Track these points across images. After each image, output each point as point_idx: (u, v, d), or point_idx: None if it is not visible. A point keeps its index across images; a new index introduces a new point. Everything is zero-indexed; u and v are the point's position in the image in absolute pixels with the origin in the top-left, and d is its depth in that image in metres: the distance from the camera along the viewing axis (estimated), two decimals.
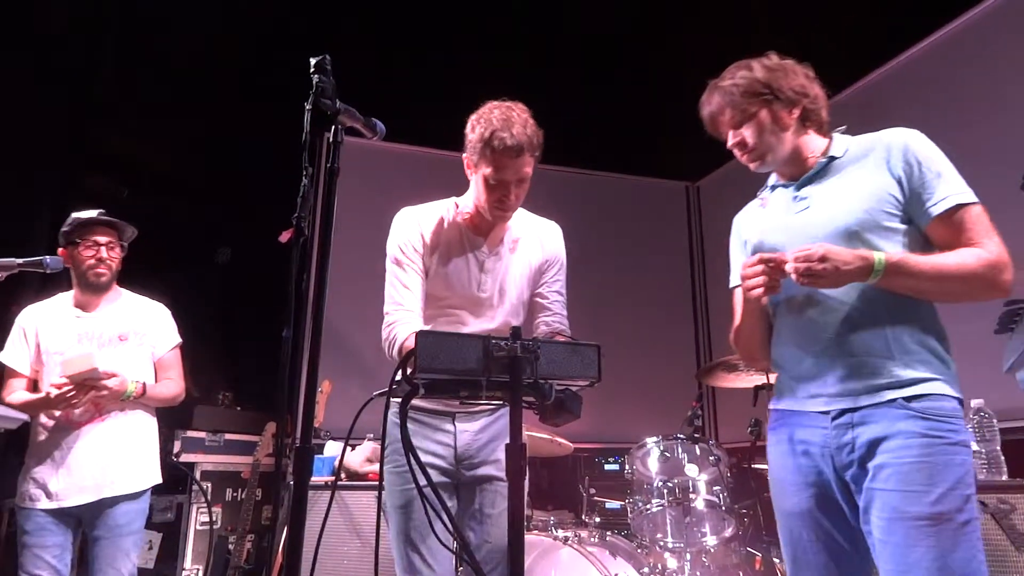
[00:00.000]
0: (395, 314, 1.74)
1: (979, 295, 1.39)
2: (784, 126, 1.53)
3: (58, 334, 2.39)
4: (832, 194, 1.50)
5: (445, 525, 1.33)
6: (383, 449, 1.53)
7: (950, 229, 1.41)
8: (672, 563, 2.79)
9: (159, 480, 2.47)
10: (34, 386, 2.40)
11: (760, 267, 1.41)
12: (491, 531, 1.74)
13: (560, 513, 3.42)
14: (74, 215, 2.41)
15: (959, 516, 1.29)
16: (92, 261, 2.39)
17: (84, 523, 2.33)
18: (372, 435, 3.26)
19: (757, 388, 2.93)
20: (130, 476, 2.36)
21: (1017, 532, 1.99)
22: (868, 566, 1.44)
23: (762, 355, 1.64)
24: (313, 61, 1.33)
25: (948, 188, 1.41)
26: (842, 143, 1.56)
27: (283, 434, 1.47)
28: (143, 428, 2.45)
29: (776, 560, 2.71)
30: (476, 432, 1.79)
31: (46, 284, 2.50)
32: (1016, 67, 3.03)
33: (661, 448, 2.89)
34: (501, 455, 1.71)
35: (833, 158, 1.54)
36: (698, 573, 2.73)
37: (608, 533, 2.88)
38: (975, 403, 2.24)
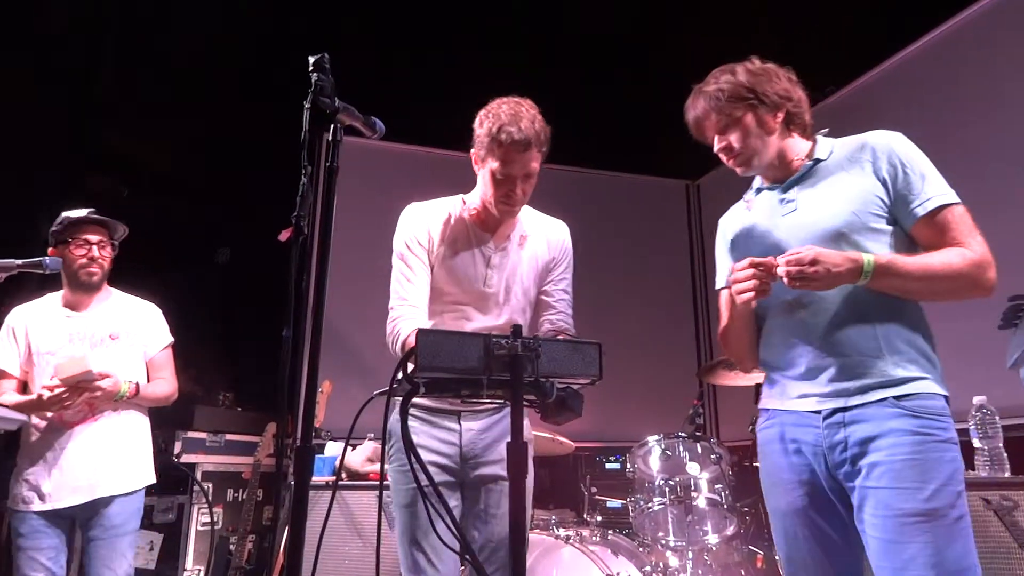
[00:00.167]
0: (399, 309, 1.74)
1: (964, 294, 1.42)
2: (769, 130, 1.55)
3: (49, 334, 2.37)
4: (819, 196, 1.52)
5: (447, 525, 1.32)
6: (384, 448, 1.53)
7: (934, 229, 1.43)
8: (674, 561, 2.79)
9: (153, 480, 2.46)
10: (23, 387, 2.38)
11: (751, 271, 1.43)
12: (496, 531, 1.73)
13: (561, 512, 3.41)
14: (64, 214, 2.39)
15: (952, 512, 1.32)
16: (83, 260, 2.37)
17: (79, 524, 2.32)
18: (373, 435, 3.26)
19: (758, 386, 2.91)
20: (124, 476, 2.34)
21: (1020, 529, 1.99)
22: (861, 562, 1.46)
23: (750, 356, 1.66)
24: (312, 59, 1.33)
25: (932, 189, 1.44)
26: (826, 145, 1.58)
27: (283, 434, 1.46)
28: (136, 428, 2.44)
29: (778, 558, 2.71)
30: (481, 431, 1.78)
31: (44, 285, 2.50)
32: (1014, 65, 3.02)
33: (662, 446, 2.88)
34: (503, 456, 1.70)
35: (818, 160, 1.56)
36: (700, 571, 2.72)
37: (610, 532, 2.87)
38: (977, 400, 2.23)
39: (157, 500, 3.57)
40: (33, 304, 2.46)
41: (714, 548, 2.79)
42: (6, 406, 2.21)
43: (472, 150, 1.79)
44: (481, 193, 1.80)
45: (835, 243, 1.44)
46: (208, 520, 3.64)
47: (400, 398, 1.33)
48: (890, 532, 1.33)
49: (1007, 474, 2.16)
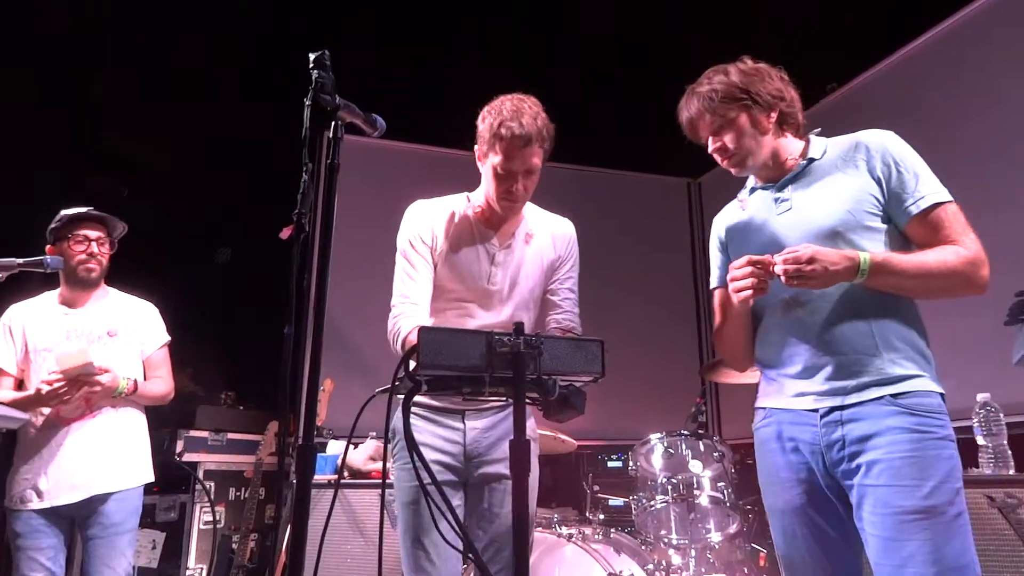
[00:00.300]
0: (400, 307, 1.74)
1: (959, 291, 1.43)
2: (763, 130, 1.56)
3: (46, 331, 2.37)
4: (814, 195, 1.53)
5: (450, 523, 1.32)
6: (386, 446, 1.53)
7: (928, 227, 1.44)
8: (676, 559, 2.79)
9: (151, 478, 2.45)
10: (20, 386, 2.37)
11: (748, 269, 1.43)
12: (500, 530, 1.72)
13: (564, 510, 3.41)
14: (63, 212, 2.39)
15: (951, 509, 1.32)
16: (83, 256, 2.37)
17: (77, 523, 2.31)
18: (375, 433, 3.25)
19: None
20: (122, 473, 2.34)
21: None
22: (860, 560, 1.47)
23: (746, 355, 1.66)
24: (312, 56, 1.32)
25: (926, 187, 1.45)
26: (819, 145, 1.59)
27: (285, 433, 1.45)
28: (134, 425, 2.43)
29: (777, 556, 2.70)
30: (485, 429, 1.78)
31: (46, 285, 2.50)
32: (1012, 62, 3.02)
33: (665, 444, 2.88)
34: (507, 454, 1.70)
35: (812, 160, 1.57)
36: (703, 569, 2.72)
37: (612, 530, 2.87)
38: (981, 397, 2.23)
39: (159, 499, 3.57)
40: (30, 302, 2.45)
41: (717, 546, 2.79)
42: (5, 403, 2.20)
43: (476, 147, 1.79)
44: (484, 190, 1.80)
45: (830, 241, 1.45)
46: (210, 519, 3.64)
47: (402, 396, 1.33)
48: (889, 530, 1.33)
49: (1011, 471, 2.15)
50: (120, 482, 2.33)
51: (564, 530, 2.77)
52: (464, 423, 1.77)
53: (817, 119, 1.66)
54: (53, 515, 2.25)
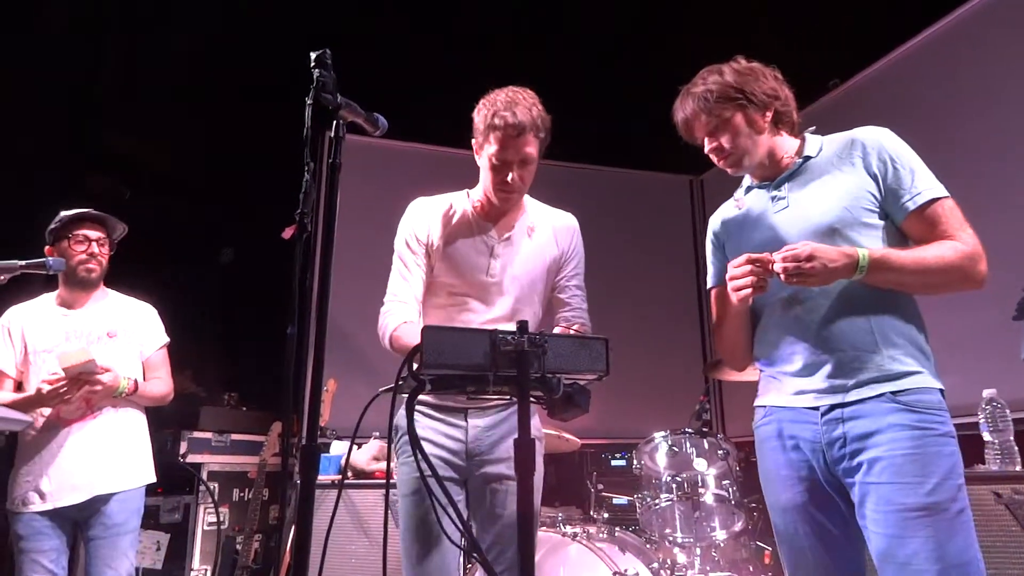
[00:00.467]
0: (388, 304, 1.78)
1: (957, 286, 1.43)
2: (758, 129, 1.57)
3: (45, 332, 2.36)
4: (811, 193, 1.54)
5: (453, 521, 1.31)
6: (390, 445, 1.52)
7: (925, 223, 1.45)
8: (682, 558, 2.78)
9: (153, 479, 2.45)
10: (19, 388, 2.36)
11: (748, 267, 1.43)
12: (503, 532, 1.70)
13: (567, 509, 3.41)
14: (62, 212, 2.39)
15: (953, 505, 1.32)
16: (83, 256, 2.36)
17: (79, 524, 2.31)
18: (378, 433, 3.24)
19: None
20: (123, 473, 2.34)
21: None
22: (863, 557, 1.47)
23: (745, 354, 1.66)
24: (313, 55, 1.32)
25: (922, 183, 1.46)
26: (815, 143, 1.60)
27: (289, 433, 1.45)
28: (134, 426, 2.43)
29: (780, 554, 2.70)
30: (487, 428, 1.76)
31: (48, 286, 2.49)
32: (1009, 62, 3.00)
33: (669, 443, 2.87)
34: (510, 453, 1.68)
35: (808, 158, 1.58)
36: (708, 568, 2.71)
37: (617, 528, 2.87)
38: (987, 393, 2.22)
39: (163, 500, 3.57)
40: (28, 304, 2.45)
41: (722, 544, 2.78)
42: (6, 404, 2.20)
43: (473, 140, 1.79)
44: (482, 183, 1.80)
45: (828, 238, 1.45)
46: (214, 520, 3.64)
47: (405, 395, 1.33)
48: (892, 527, 1.33)
49: (1018, 467, 2.14)
50: (121, 482, 2.33)
51: (568, 529, 2.77)
52: (467, 421, 1.76)
53: (819, 115, 1.66)
54: (55, 517, 2.25)
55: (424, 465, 1.29)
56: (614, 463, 4.02)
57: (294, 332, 1.23)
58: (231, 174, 4.71)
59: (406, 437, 1.70)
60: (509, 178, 1.72)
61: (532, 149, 1.72)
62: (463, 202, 1.85)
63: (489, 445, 1.76)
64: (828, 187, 1.52)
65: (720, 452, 2.81)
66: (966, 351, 2.59)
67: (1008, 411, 2.20)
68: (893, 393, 1.39)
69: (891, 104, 3.51)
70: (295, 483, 1.22)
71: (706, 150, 1.62)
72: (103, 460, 2.30)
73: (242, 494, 3.85)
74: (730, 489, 2.75)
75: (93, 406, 2.32)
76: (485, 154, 1.74)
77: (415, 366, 1.23)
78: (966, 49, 3.21)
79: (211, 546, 3.60)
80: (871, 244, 1.45)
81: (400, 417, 1.71)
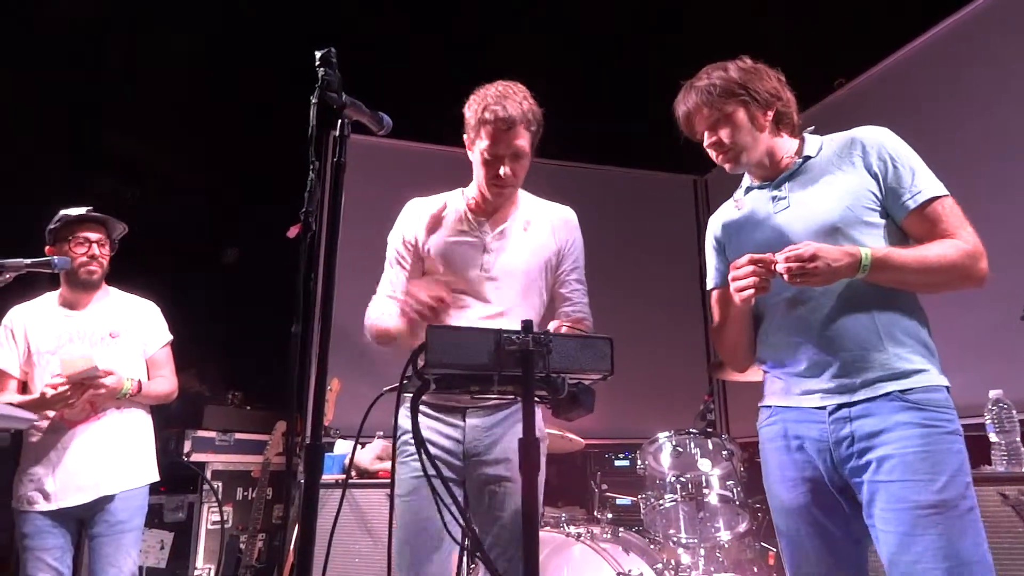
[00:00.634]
0: (373, 300, 1.84)
1: (958, 284, 1.44)
2: (759, 127, 1.57)
3: (48, 333, 2.37)
4: (812, 192, 1.54)
5: (458, 521, 1.31)
6: (395, 445, 1.52)
7: (926, 222, 1.45)
8: (686, 559, 2.77)
9: (156, 478, 2.46)
10: (23, 388, 2.37)
11: (750, 268, 1.42)
12: (501, 533, 1.69)
13: (571, 509, 3.40)
14: (62, 212, 2.39)
15: (964, 503, 1.33)
16: (84, 259, 2.37)
17: (83, 522, 2.32)
18: (382, 433, 3.25)
19: None
20: (127, 473, 2.35)
21: None
22: (865, 558, 1.47)
23: (747, 355, 1.66)
24: (318, 54, 1.32)
25: (922, 182, 1.46)
26: (814, 143, 1.60)
27: (293, 432, 1.45)
28: (139, 425, 2.44)
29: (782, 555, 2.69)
30: (486, 428, 1.75)
31: (51, 284, 2.50)
32: (1009, 62, 2.99)
33: (673, 443, 2.86)
34: (511, 454, 1.69)
35: (808, 158, 1.58)
36: (712, 568, 2.70)
37: (621, 529, 2.86)
38: (993, 394, 2.20)
39: (167, 499, 3.58)
40: (31, 304, 2.45)
41: (726, 545, 2.77)
42: (11, 405, 2.21)
43: (464, 135, 1.79)
44: (475, 178, 1.80)
45: (830, 238, 1.45)
46: (218, 519, 3.64)
47: (410, 394, 1.33)
48: (904, 525, 1.33)
49: None
50: (127, 482, 2.34)
51: (572, 529, 2.76)
52: (465, 420, 1.74)
53: (824, 114, 1.66)
54: (60, 515, 2.26)
55: (428, 465, 1.29)
56: (618, 463, 4.01)
57: (298, 331, 1.23)
58: (232, 174, 4.72)
59: (404, 437, 1.70)
60: (502, 172, 1.71)
61: (524, 142, 1.72)
62: (457, 200, 1.85)
63: (487, 445, 1.73)
64: (829, 186, 1.52)
65: (724, 452, 2.80)
66: (972, 351, 2.58)
67: (1015, 412, 2.19)
68: (901, 392, 1.39)
69: (898, 101, 3.50)
70: (299, 482, 1.22)
71: (706, 144, 1.62)
72: (108, 461, 2.31)
73: (246, 493, 3.85)
74: (734, 489, 2.74)
75: (97, 408, 2.33)
76: (477, 149, 1.74)
77: (420, 365, 1.23)
78: (977, 44, 3.19)
79: (215, 545, 3.61)
80: (873, 243, 1.45)
81: (400, 417, 1.71)
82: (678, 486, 2.76)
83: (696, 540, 2.75)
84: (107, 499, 2.29)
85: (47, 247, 2.38)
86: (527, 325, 1.25)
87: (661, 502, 2.79)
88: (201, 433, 3.76)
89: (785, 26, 3.99)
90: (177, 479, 3.52)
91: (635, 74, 4.69)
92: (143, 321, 2.53)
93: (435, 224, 1.82)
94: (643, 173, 4.99)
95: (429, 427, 1.74)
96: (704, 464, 2.80)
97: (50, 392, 2.19)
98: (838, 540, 1.46)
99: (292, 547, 2.89)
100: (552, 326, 1.68)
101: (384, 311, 1.76)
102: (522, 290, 1.79)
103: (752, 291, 1.43)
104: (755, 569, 2.78)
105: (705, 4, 4.25)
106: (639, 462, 2.98)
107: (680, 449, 2.85)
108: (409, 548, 1.65)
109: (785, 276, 1.38)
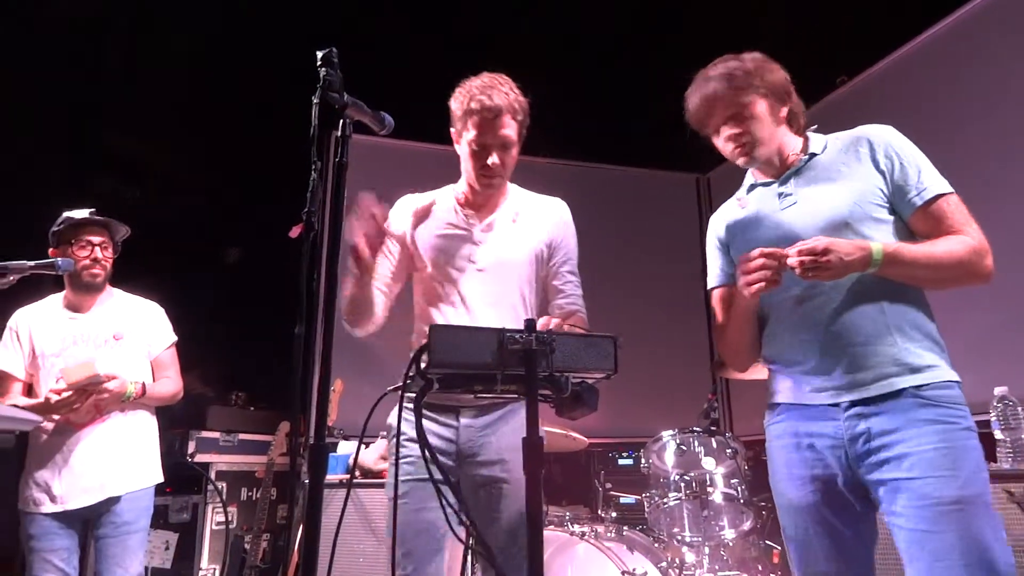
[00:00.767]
0: None
1: (965, 280, 1.44)
2: (777, 120, 1.57)
3: (53, 336, 2.38)
4: (820, 189, 1.53)
5: (463, 520, 1.31)
6: (399, 445, 1.51)
7: (931, 219, 1.46)
8: (690, 557, 2.77)
9: (161, 479, 2.47)
10: (28, 390, 2.38)
11: (761, 261, 1.42)
12: (497, 535, 1.65)
13: (575, 508, 3.40)
14: (66, 214, 2.40)
15: (985, 498, 1.33)
16: (87, 261, 2.37)
17: (89, 523, 2.33)
18: (385, 433, 3.24)
19: None
20: (133, 475, 2.35)
21: None
22: (872, 557, 1.47)
23: (750, 354, 1.65)
24: (320, 54, 1.31)
25: (928, 179, 1.47)
26: (819, 141, 1.60)
27: (297, 433, 1.45)
28: (144, 427, 2.45)
29: (788, 555, 2.68)
30: (480, 428, 1.71)
31: (55, 286, 2.50)
32: (1010, 62, 2.97)
33: (677, 442, 2.86)
34: (505, 455, 1.67)
35: (813, 155, 1.58)
36: (716, 567, 2.70)
37: (625, 528, 2.86)
38: (999, 391, 2.20)
39: (172, 500, 3.59)
40: (35, 306, 2.46)
41: (730, 543, 2.77)
42: (15, 407, 2.22)
43: (451, 129, 1.78)
44: (464, 172, 1.80)
45: (840, 233, 1.45)
46: (223, 519, 3.65)
47: (406, 394, 1.32)
48: (926, 522, 1.32)
49: None
50: (132, 483, 2.34)
51: (576, 528, 2.76)
52: (458, 420, 1.71)
53: (824, 114, 1.66)
54: (66, 517, 2.27)
55: (428, 467, 1.28)
56: (622, 462, 4.01)
57: (302, 332, 1.23)
58: (232, 174, 4.72)
59: (396, 438, 1.70)
60: (490, 161, 1.70)
61: (511, 132, 1.71)
62: (447, 195, 1.85)
63: (481, 445, 1.70)
64: (837, 183, 1.51)
65: (728, 451, 2.79)
66: (977, 348, 2.57)
67: (1020, 409, 2.18)
68: (916, 388, 1.39)
69: (901, 99, 3.49)
70: (303, 482, 1.21)
71: (722, 136, 1.58)
72: (113, 463, 2.32)
73: (250, 493, 3.86)
74: (739, 488, 2.74)
75: (102, 411, 2.34)
76: (464, 141, 1.73)
77: (423, 365, 1.22)
78: (979, 42, 3.18)
79: (219, 545, 3.61)
80: (882, 239, 1.44)
81: (394, 416, 1.70)
82: (682, 484, 2.76)
83: (700, 539, 2.75)
84: (113, 500, 2.30)
85: (50, 249, 2.39)
86: (530, 324, 1.24)
87: (665, 500, 2.79)
88: (205, 434, 3.77)
89: (785, 26, 3.97)
90: (181, 480, 3.53)
91: (635, 74, 4.68)
92: (147, 322, 2.53)
93: (424, 218, 1.81)
94: (645, 172, 4.98)
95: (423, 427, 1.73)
96: (708, 462, 2.79)
97: (54, 398, 2.20)
98: (847, 540, 1.45)
99: (296, 547, 2.90)
100: (540, 322, 1.66)
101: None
102: (513, 282, 1.77)
103: (763, 284, 1.42)
104: (759, 567, 2.78)
105: (705, 4, 4.24)
106: (643, 461, 2.98)
107: (684, 447, 2.85)
108: (406, 552, 1.63)
109: (797, 270, 1.38)
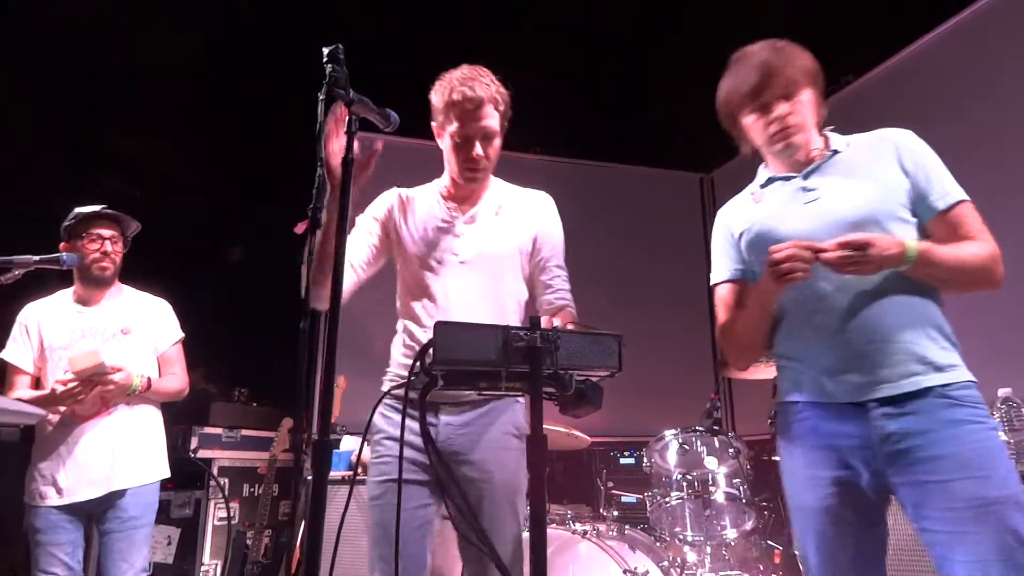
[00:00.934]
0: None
1: (982, 285, 1.45)
2: (816, 112, 1.57)
3: (61, 329, 2.39)
4: (844, 185, 1.52)
5: (466, 519, 1.31)
6: (402, 446, 1.50)
7: (948, 225, 1.47)
8: (692, 557, 2.77)
9: (167, 474, 2.48)
10: (36, 383, 2.40)
11: (791, 251, 1.40)
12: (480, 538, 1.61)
13: (577, 507, 3.40)
14: (77, 209, 2.41)
15: (1019, 496, 1.32)
16: (96, 255, 2.39)
17: (94, 517, 2.34)
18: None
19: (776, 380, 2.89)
20: (138, 469, 2.36)
21: None
22: (883, 557, 1.47)
23: (759, 350, 1.63)
24: (326, 50, 1.32)
25: (948, 186, 1.49)
26: (840, 140, 1.60)
27: (300, 429, 1.45)
28: (149, 422, 2.46)
29: (797, 552, 2.68)
30: (460, 426, 1.66)
31: (61, 281, 2.51)
32: (1011, 62, 2.97)
33: (680, 441, 2.86)
34: (487, 454, 1.64)
35: (836, 151, 1.57)
36: (718, 566, 2.70)
37: (627, 527, 2.85)
38: (1003, 392, 2.20)
39: (174, 495, 3.59)
40: (45, 300, 2.47)
41: (732, 543, 2.77)
42: (22, 401, 2.22)
43: (433, 123, 1.78)
44: (447, 166, 1.80)
45: (867, 229, 1.43)
46: (225, 515, 3.66)
47: (402, 393, 1.32)
48: (964, 523, 1.30)
49: None
50: (138, 478, 2.35)
51: (578, 527, 2.76)
52: (438, 418, 1.66)
53: (833, 111, 1.65)
54: (71, 510, 2.28)
55: (433, 466, 1.29)
56: (624, 461, 4.01)
57: (306, 327, 1.23)
58: (232, 174, 4.72)
59: (376, 437, 1.68)
60: (474, 153, 1.70)
61: (494, 123, 1.70)
62: (432, 189, 1.85)
63: (460, 444, 1.65)
64: (863, 180, 1.50)
65: (731, 450, 2.79)
66: (980, 349, 2.56)
67: None
68: (942, 387, 1.38)
69: (910, 96, 3.48)
70: (306, 479, 1.22)
71: (771, 113, 1.54)
72: (118, 456, 2.32)
73: (252, 489, 3.86)
74: (741, 488, 2.74)
75: (108, 404, 2.35)
76: (447, 133, 1.73)
77: (427, 362, 1.22)
78: (983, 43, 3.17)
79: (221, 541, 3.62)
80: (907, 238, 1.44)
81: (375, 416, 1.68)
82: (684, 484, 2.76)
83: (702, 538, 2.75)
84: (118, 494, 2.31)
85: (61, 243, 2.41)
86: (534, 321, 1.24)
87: (667, 500, 2.79)
88: (208, 429, 3.77)
89: (785, 26, 3.96)
90: (184, 475, 3.53)
91: (635, 74, 4.67)
92: (155, 318, 2.54)
93: (408, 210, 1.81)
94: (648, 170, 4.98)
95: (400, 423, 1.64)
96: (710, 462, 2.79)
97: (60, 388, 2.21)
98: (864, 538, 1.45)
99: (298, 543, 2.90)
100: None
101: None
102: (496, 274, 1.74)
103: (797, 275, 1.40)
104: (761, 567, 2.78)
105: (705, 4, 4.23)
106: (645, 460, 2.98)
107: (686, 447, 2.85)
108: (381, 548, 1.61)
109: (835, 263, 1.37)
